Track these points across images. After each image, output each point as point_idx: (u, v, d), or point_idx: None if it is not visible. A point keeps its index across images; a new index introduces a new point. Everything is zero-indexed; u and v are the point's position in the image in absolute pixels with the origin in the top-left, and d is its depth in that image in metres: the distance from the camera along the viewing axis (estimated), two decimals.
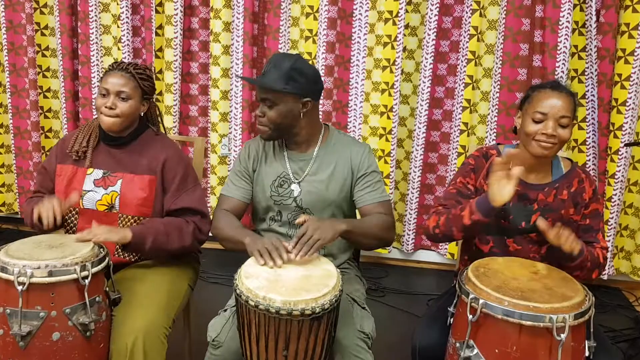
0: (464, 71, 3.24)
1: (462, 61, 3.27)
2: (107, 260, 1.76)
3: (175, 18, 3.33)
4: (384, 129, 3.32)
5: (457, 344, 1.56)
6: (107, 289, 1.77)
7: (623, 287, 3.48)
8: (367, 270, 3.52)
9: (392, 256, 3.62)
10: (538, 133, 1.77)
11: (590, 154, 3.22)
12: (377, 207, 1.94)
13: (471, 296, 1.53)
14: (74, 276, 1.63)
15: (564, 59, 3.08)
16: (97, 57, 3.47)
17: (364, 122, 3.40)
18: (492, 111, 3.25)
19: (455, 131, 3.35)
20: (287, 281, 1.61)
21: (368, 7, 3.24)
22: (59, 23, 3.47)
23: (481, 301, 1.50)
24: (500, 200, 1.71)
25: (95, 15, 3.42)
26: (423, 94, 3.30)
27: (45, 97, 3.63)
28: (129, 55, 3.43)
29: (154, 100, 2.10)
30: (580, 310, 1.48)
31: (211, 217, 2.01)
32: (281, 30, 3.35)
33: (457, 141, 3.33)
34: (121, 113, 1.94)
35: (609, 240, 3.24)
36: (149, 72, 2.02)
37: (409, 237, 3.52)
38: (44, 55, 3.56)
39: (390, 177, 3.37)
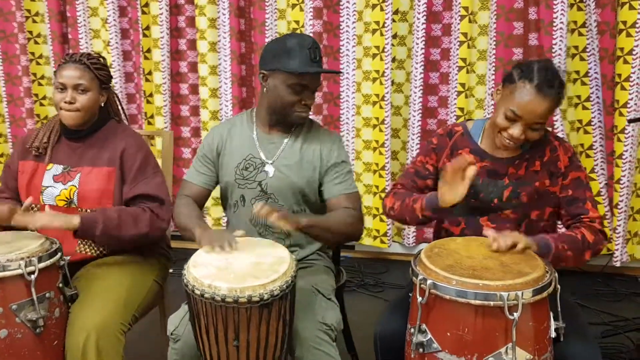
0: (457, 54, 3.11)
1: (454, 44, 3.15)
2: (58, 255, 1.71)
3: (161, 18, 3.30)
4: (377, 118, 3.22)
5: (412, 330, 1.45)
6: (61, 285, 1.72)
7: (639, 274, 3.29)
8: (368, 266, 3.43)
9: (393, 250, 3.50)
10: (505, 130, 1.66)
11: (596, 135, 3.06)
12: (344, 200, 1.85)
13: (420, 277, 1.43)
14: (19, 271, 1.58)
15: (561, 36, 2.93)
16: None
17: (356, 113, 3.31)
18: (489, 94, 3.12)
19: (451, 117, 3.23)
20: (237, 268, 1.54)
21: None
22: (49, 30, 3.47)
23: (429, 282, 1.40)
24: (450, 202, 1.61)
25: (84, 20, 3.42)
26: (416, 80, 3.19)
27: (41, 104, 3.64)
28: (118, 57, 3.42)
29: (112, 89, 2.05)
30: (537, 286, 1.36)
31: None
32: (267, 24, 3.28)
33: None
34: (81, 106, 1.89)
35: (619, 225, 3.06)
36: (103, 61, 1.97)
37: (409, 231, 3.40)
38: (38, 64, 3.57)
39: (386, 168, 3.26)
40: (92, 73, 1.90)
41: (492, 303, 1.33)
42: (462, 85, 3.14)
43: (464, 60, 3.11)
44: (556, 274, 1.45)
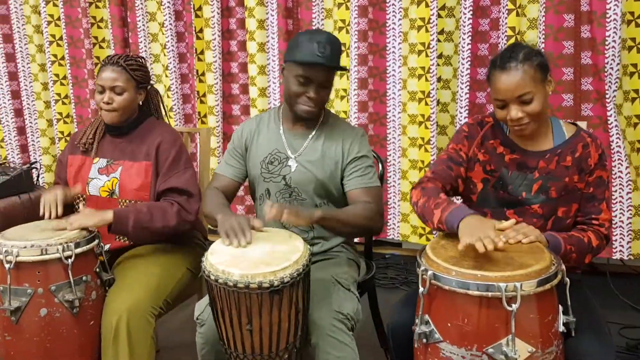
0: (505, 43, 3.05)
1: (502, 39, 3.09)
2: (95, 242, 1.85)
3: (212, 21, 3.44)
4: (423, 115, 3.22)
5: (417, 320, 1.47)
6: (97, 270, 1.85)
7: None
8: (414, 264, 3.40)
9: None
10: (505, 119, 1.66)
11: None
12: (363, 193, 1.89)
13: (422, 268, 1.45)
14: (57, 255, 1.72)
15: (615, 27, 2.82)
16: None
17: (403, 111, 3.31)
18: None
19: None
20: (250, 256, 1.61)
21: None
22: (112, 35, 3.70)
23: (430, 272, 1.42)
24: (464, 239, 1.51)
25: (143, 25, 3.61)
26: (463, 76, 3.16)
27: None
28: (174, 59, 3.59)
29: (151, 87, 2.18)
30: (539, 278, 1.35)
31: None
32: (314, 23, 3.35)
33: None
34: (118, 106, 2.03)
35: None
36: (140, 62, 2.10)
37: None
38: None
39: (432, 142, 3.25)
40: (128, 74, 2.04)
41: (490, 294, 1.33)
42: None
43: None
44: (563, 267, 1.42)
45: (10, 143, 4.06)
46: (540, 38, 2.98)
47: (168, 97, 3.65)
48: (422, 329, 1.44)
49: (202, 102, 3.65)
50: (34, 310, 1.72)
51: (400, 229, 3.44)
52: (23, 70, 3.96)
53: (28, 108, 4.02)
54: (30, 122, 4.04)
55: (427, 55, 3.16)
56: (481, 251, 1.39)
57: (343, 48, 3.31)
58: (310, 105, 1.88)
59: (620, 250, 2.99)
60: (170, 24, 3.55)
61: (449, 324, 1.40)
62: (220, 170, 2.04)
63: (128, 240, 2.07)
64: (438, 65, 3.19)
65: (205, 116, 3.66)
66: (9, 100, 3.99)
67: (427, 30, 3.14)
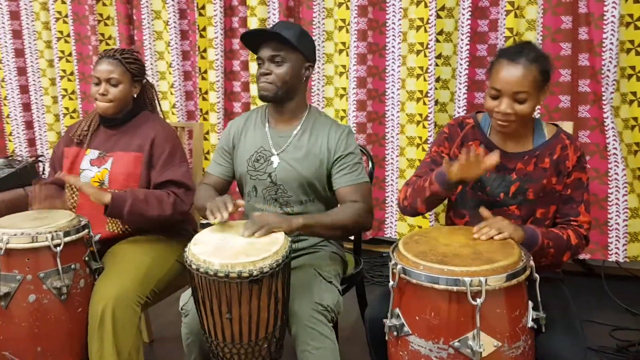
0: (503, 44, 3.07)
1: (500, 39, 3.11)
2: (85, 231, 1.90)
3: (215, 19, 3.49)
4: (421, 115, 3.24)
5: (389, 314, 1.50)
6: (87, 258, 1.90)
7: None
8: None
9: None
10: (494, 110, 1.67)
11: None
12: (352, 191, 1.91)
13: (392, 262, 1.47)
14: (46, 243, 1.78)
15: (612, 29, 2.82)
16: (150, 61, 3.72)
17: (401, 110, 3.33)
18: None
19: None
20: (232, 247, 1.65)
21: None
22: (118, 32, 3.76)
23: (399, 266, 1.45)
24: (456, 176, 1.62)
25: (148, 23, 3.67)
26: (461, 76, 3.17)
27: None
28: (177, 57, 3.65)
29: (146, 81, 2.24)
30: (505, 273, 1.37)
31: None
32: (314, 22, 3.39)
33: None
34: (113, 98, 2.09)
35: None
36: (135, 56, 2.15)
37: None
38: None
39: None
40: (124, 67, 2.09)
41: (455, 288, 1.35)
42: None
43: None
44: (532, 263, 1.45)
45: (18, 137, 4.14)
46: (538, 39, 2.99)
47: (171, 93, 3.71)
48: (393, 322, 1.47)
49: (204, 99, 3.71)
50: (22, 296, 1.77)
51: (397, 228, 3.46)
52: (32, 65, 4.04)
53: (36, 103, 4.10)
54: (38, 117, 4.13)
55: (425, 56, 3.18)
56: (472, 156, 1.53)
57: (342, 47, 3.36)
58: (266, 82, 1.90)
59: (616, 253, 2.99)
60: (175, 22, 3.61)
61: (417, 318, 1.43)
62: (209, 169, 2.08)
63: (117, 231, 2.11)
64: (437, 65, 3.21)
65: (207, 113, 3.71)
66: (17, 95, 4.08)
67: (425, 31, 3.16)
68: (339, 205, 1.96)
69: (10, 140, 4.20)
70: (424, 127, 3.25)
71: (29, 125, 4.17)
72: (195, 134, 2.41)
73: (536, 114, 3.02)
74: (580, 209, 1.72)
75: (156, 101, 2.28)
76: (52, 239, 1.78)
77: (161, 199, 2.02)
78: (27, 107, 4.13)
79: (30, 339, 1.79)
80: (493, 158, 1.58)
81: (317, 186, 1.97)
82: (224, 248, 1.64)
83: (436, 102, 3.25)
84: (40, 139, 4.16)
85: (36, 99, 4.09)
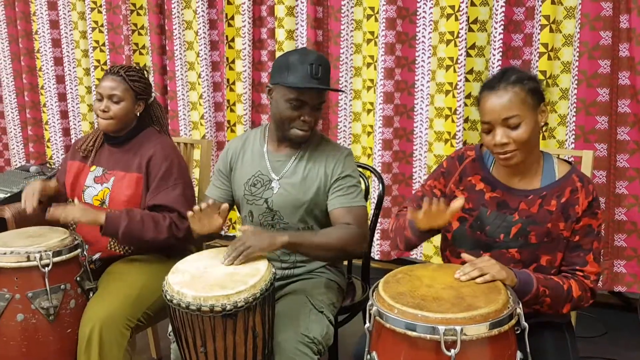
0: (537, 66, 2.90)
1: (535, 55, 2.94)
2: (77, 251, 1.88)
3: (243, 30, 3.46)
4: (449, 133, 3.10)
5: (368, 356, 1.40)
6: (79, 278, 1.88)
7: None
8: None
9: None
10: (491, 145, 1.55)
11: None
12: (345, 213, 1.83)
13: (369, 302, 1.37)
14: (34, 263, 1.76)
15: None
16: (181, 71, 3.72)
17: (429, 127, 3.21)
18: (571, 110, 2.86)
19: None
20: (209, 277, 1.59)
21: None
22: (150, 42, 3.79)
23: (374, 308, 1.35)
24: (424, 225, 1.53)
25: (180, 33, 3.68)
26: None
27: None
28: (207, 68, 3.64)
29: (154, 99, 2.20)
30: (486, 322, 1.25)
31: None
32: (342, 35, 3.31)
33: None
34: (114, 115, 2.06)
35: None
36: (140, 74, 2.12)
37: None
38: None
39: None
40: (127, 84, 2.07)
41: (428, 336, 1.24)
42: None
43: (543, 72, 2.88)
44: (520, 311, 1.32)
45: (55, 143, 4.24)
46: (574, 56, 2.81)
47: (200, 104, 3.70)
48: None
49: (232, 110, 3.68)
50: (11, 314, 1.77)
51: (423, 249, 3.33)
52: (69, 74, 4.13)
53: (73, 110, 4.18)
54: (75, 125, 4.21)
55: (455, 71, 3.04)
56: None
57: (371, 60, 3.26)
58: (305, 129, 1.84)
59: None
60: (205, 32, 3.60)
61: None
62: (208, 192, 2.03)
63: (118, 250, 2.09)
64: (467, 80, 3.07)
65: (234, 125, 3.69)
66: (55, 102, 4.17)
67: (455, 45, 3.02)
68: None
69: (48, 147, 4.30)
70: (452, 145, 3.10)
71: (66, 132, 4.26)
72: (202, 152, 2.36)
73: (569, 135, 2.84)
74: (587, 258, 1.56)
75: (163, 120, 2.24)
76: (41, 258, 1.77)
77: (157, 222, 1.98)
78: (64, 114, 4.22)
79: (18, 357, 1.79)
80: (457, 203, 1.48)
81: (315, 212, 1.89)
82: (200, 278, 1.58)
83: (466, 120, 3.10)
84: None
85: (73, 107, 4.17)
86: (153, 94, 2.21)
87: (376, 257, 3.36)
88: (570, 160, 1.74)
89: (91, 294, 1.92)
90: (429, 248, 3.29)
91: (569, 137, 2.85)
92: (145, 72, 2.17)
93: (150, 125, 2.20)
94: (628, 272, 2.84)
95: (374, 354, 1.37)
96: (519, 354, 1.33)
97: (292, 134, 1.84)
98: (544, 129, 2.92)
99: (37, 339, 1.79)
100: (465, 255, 1.52)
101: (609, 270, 2.86)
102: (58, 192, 2.17)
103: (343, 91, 1.90)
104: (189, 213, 1.69)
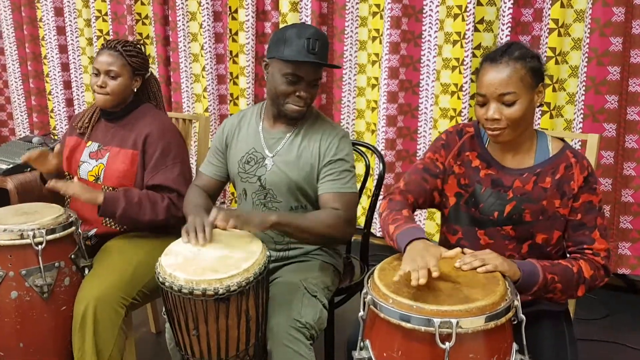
0: (546, 42, 2.82)
1: (544, 31, 2.85)
2: (72, 228, 1.86)
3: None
4: (455, 110, 3.04)
5: (362, 344, 1.37)
6: (73, 256, 1.87)
7: None
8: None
9: None
10: (482, 118, 1.51)
11: None
12: (334, 199, 1.79)
13: (363, 290, 1.34)
14: (28, 241, 1.75)
15: None
16: (184, 43, 3.67)
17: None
18: (578, 115, 2.78)
19: (536, 111, 2.94)
20: (202, 261, 1.56)
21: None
22: (152, 13, 3.73)
23: (368, 297, 1.32)
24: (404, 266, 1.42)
25: (182, 3, 3.61)
26: None
27: None
28: (210, 40, 3.57)
29: (150, 75, 2.16)
30: (482, 315, 1.22)
31: None
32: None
33: (538, 124, 2.92)
34: (111, 91, 2.02)
35: None
36: (138, 49, 2.08)
37: None
38: None
39: None
40: (125, 60, 2.02)
41: (423, 328, 1.21)
42: (547, 104, 2.85)
43: (553, 49, 2.80)
44: (517, 303, 1.29)
45: (59, 114, 4.21)
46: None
47: (203, 77, 3.65)
48: (362, 355, 1.34)
49: (235, 83, 3.64)
50: (5, 292, 1.76)
51: (426, 227, 3.31)
52: (72, 43, 4.07)
53: (76, 81, 4.15)
54: (78, 95, 4.18)
55: (462, 47, 2.96)
56: (414, 284, 1.28)
57: (376, 34, 3.19)
58: (300, 105, 1.80)
59: None
60: (207, 2, 3.53)
61: (385, 354, 1.30)
62: (202, 169, 2.00)
63: (114, 227, 2.07)
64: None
65: (237, 98, 3.64)
66: (59, 72, 4.14)
67: (463, 20, 2.94)
68: None
69: (52, 117, 4.27)
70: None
71: (69, 102, 4.23)
72: (200, 128, 2.32)
73: (578, 114, 2.77)
74: (594, 236, 1.52)
75: (160, 96, 2.20)
76: (34, 237, 1.75)
77: (155, 203, 1.97)
78: (67, 84, 4.19)
79: (12, 334, 1.79)
80: (451, 253, 1.43)
81: (308, 191, 1.85)
82: (193, 261, 1.56)
83: (472, 96, 3.02)
84: None
85: (76, 76, 4.13)
86: (150, 69, 2.17)
87: (378, 235, 3.34)
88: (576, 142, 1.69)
89: (86, 272, 1.91)
90: (432, 226, 3.27)
91: (577, 117, 2.78)
92: (142, 46, 2.12)
93: (147, 100, 2.16)
94: (633, 255, 2.80)
95: (367, 342, 1.34)
96: (514, 346, 1.31)
97: (287, 109, 1.79)
98: (547, 108, 2.86)
99: (32, 316, 1.79)
100: (467, 251, 1.47)
101: (614, 253, 2.82)
102: (58, 169, 2.14)
103: (339, 67, 1.85)
104: (184, 239, 1.66)
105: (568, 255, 1.58)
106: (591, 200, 1.53)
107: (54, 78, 4.15)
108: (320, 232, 1.73)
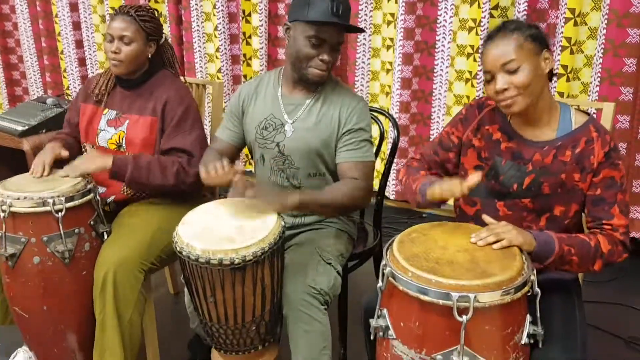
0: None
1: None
2: (90, 195, 1.89)
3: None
4: (470, 72, 3.01)
5: (379, 312, 1.41)
6: (92, 222, 1.91)
7: None
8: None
9: None
10: (493, 93, 1.52)
11: None
12: (353, 168, 1.81)
13: (382, 262, 1.38)
14: (48, 208, 1.78)
15: None
16: (196, 1, 3.63)
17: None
18: (599, 51, 2.74)
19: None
20: (218, 230, 1.59)
21: None
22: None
23: (387, 269, 1.35)
24: (438, 199, 1.54)
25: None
26: None
27: None
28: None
29: (165, 41, 2.15)
30: (499, 290, 1.24)
31: None
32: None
33: (555, 88, 2.88)
34: (125, 57, 2.02)
35: None
36: (151, 14, 2.06)
37: None
38: None
39: None
40: (138, 24, 2.01)
41: (441, 302, 1.24)
42: (561, 94, 2.82)
43: (572, 10, 2.74)
44: (533, 278, 1.31)
45: (72, 73, 4.21)
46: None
47: (215, 36, 3.62)
48: (379, 323, 1.38)
49: (247, 44, 3.62)
50: (28, 257, 1.81)
51: None
52: (83, 1, 4.05)
53: (87, 40, 4.13)
54: (90, 55, 4.17)
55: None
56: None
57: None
58: (323, 69, 1.79)
59: None
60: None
61: (402, 324, 1.34)
62: (218, 133, 2.01)
63: (133, 193, 2.10)
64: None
65: (250, 59, 3.63)
66: (70, 31, 4.12)
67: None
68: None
69: (64, 77, 4.27)
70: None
71: (81, 62, 4.22)
72: (214, 93, 2.32)
73: (595, 77, 2.73)
74: (613, 211, 1.52)
75: (175, 61, 2.19)
76: (54, 204, 1.78)
77: (164, 168, 1.98)
78: (79, 43, 4.18)
79: (36, 297, 1.84)
80: (473, 179, 1.46)
81: (326, 158, 1.86)
82: (210, 231, 1.59)
83: None
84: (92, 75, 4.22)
85: (87, 35, 4.13)
86: (164, 35, 2.15)
87: (391, 197, 3.36)
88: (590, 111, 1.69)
89: (105, 237, 1.95)
90: None
91: (594, 80, 2.75)
92: (155, 11, 2.11)
93: (162, 67, 2.16)
94: None
95: (384, 311, 1.38)
96: (528, 317, 1.34)
97: (309, 72, 1.79)
98: (563, 70, 2.82)
99: (54, 280, 1.84)
100: (485, 217, 1.50)
101: None
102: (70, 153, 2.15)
103: (364, 30, 1.83)
104: (203, 175, 1.68)
105: (587, 230, 1.59)
106: (613, 176, 1.52)
107: (66, 37, 4.13)
108: (341, 205, 1.76)
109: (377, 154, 2.29)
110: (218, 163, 1.68)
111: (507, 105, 1.51)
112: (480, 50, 1.59)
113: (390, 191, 3.36)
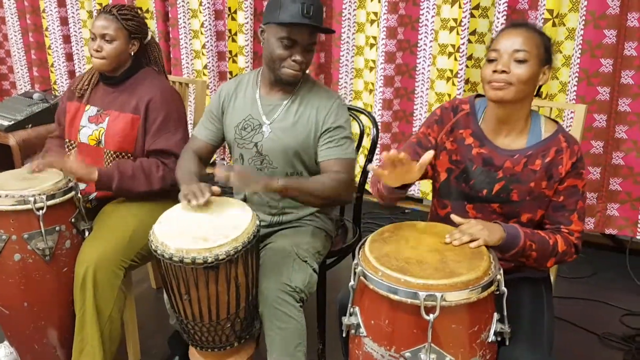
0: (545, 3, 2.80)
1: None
2: (72, 193, 1.92)
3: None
4: (451, 71, 3.05)
5: (351, 310, 1.45)
6: (73, 220, 1.94)
7: None
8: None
9: None
10: (489, 73, 1.52)
11: None
12: (335, 164, 1.85)
13: (354, 261, 1.42)
14: (29, 207, 1.81)
15: None
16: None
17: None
18: (576, 52, 2.78)
19: None
20: (194, 229, 1.62)
21: None
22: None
23: (359, 268, 1.39)
24: (394, 183, 1.52)
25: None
26: None
27: None
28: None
29: (151, 39, 2.18)
30: (466, 289, 1.29)
31: None
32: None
33: None
34: (107, 54, 2.05)
35: None
36: (133, 12, 2.09)
37: None
38: None
39: None
40: (120, 23, 2.04)
41: (409, 301, 1.28)
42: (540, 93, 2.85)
43: (550, 11, 2.77)
44: (500, 277, 1.35)
45: (59, 68, 4.22)
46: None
47: (202, 33, 3.64)
48: (351, 321, 1.42)
49: (233, 40, 3.63)
50: (8, 254, 1.83)
51: (421, 186, 3.37)
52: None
53: (75, 35, 4.14)
54: (77, 50, 4.18)
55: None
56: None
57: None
58: (296, 69, 1.82)
59: None
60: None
61: (373, 322, 1.38)
62: (195, 132, 2.04)
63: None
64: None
65: (236, 55, 3.65)
66: (58, 26, 4.12)
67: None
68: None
69: (52, 72, 4.28)
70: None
71: (69, 57, 4.23)
72: (197, 92, 2.35)
73: (573, 77, 2.77)
74: (572, 218, 1.58)
75: (160, 60, 2.22)
76: (35, 202, 1.81)
77: (149, 174, 2.01)
78: (67, 38, 4.19)
79: (17, 294, 1.87)
80: (425, 157, 1.43)
81: (303, 157, 1.90)
82: (185, 229, 1.62)
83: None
84: (79, 71, 4.23)
85: (75, 30, 4.14)
86: (150, 34, 2.18)
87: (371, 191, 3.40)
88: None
89: (86, 234, 1.97)
90: (427, 185, 3.32)
91: (572, 79, 2.79)
92: (139, 11, 2.14)
93: (147, 65, 2.18)
94: (620, 216, 2.87)
95: (356, 308, 1.42)
96: (496, 315, 1.38)
97: (283, 73, 1.82)
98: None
99: (35, 277, 1.86)
100: (454, 217, 1.54)
101: (602, 213, 2.89)
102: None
103: (333, 31, 1.87)
104: (184, 204, 1.72)
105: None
106: (576, 184, 1.57)
107: (53, 32, 4.14)
108: (325, 195, 1.79)
109: (358, 148, 2.34)
110: (195, 189, 1.71)
111: (498, 88, 1.51)
112: (495, 33, 1.61)
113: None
